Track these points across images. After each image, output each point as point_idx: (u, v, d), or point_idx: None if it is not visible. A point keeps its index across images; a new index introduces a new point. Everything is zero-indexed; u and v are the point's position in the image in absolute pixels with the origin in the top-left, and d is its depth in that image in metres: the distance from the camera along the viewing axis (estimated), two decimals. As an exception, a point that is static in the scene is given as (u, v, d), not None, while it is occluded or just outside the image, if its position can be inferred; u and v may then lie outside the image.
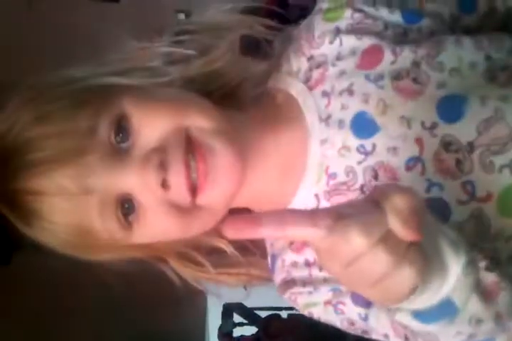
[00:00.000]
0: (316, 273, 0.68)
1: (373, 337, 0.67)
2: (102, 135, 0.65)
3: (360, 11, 0.70)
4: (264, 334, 1.77)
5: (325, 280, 0.67)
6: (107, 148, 0.64)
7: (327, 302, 0.67)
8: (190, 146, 0.64)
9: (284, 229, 0.44)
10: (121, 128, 0.65)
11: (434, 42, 0.65)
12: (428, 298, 0.47)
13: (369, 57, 0.68)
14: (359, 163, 0.66)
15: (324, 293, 0.67)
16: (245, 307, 1.86)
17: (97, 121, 0.65)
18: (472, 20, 0.71)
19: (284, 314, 1.78)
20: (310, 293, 0.69)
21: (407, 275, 0.44)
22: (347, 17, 0.71)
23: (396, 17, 0.69)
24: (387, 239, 0.44)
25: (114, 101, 0.66)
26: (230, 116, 0.70)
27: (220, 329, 1.88)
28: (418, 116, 0.63)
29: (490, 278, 0.50)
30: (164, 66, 0.73)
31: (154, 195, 0.64)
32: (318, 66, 0.72)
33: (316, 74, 0.72)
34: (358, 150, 0.66)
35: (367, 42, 0.68)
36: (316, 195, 0.69)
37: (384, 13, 0.69)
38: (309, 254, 0.69)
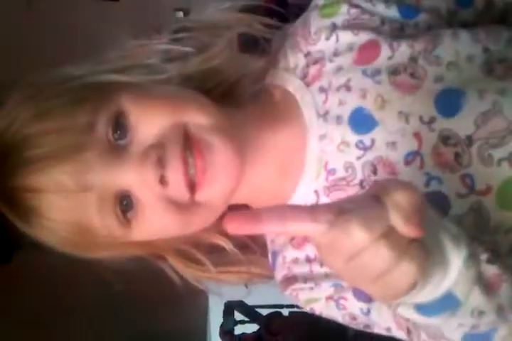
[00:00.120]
0: (317, 268, 0.68)
1: (375, 331, 0.67)
2: (100, 132, 0.65)
3: (356, 6, 0.70)
4: (266, 331, 1.77)
5: (326, 276, 0.67)
6: (105, 145, 0.65)
7: (329, 298, 0.67)
8: (188, 143, 0.64)
9: (284, 224, 0.44)
10: (119, 125, 0.65)
11: (430, 36, 0.65)
12: (430, 292, 0.47)
13: (366, 53, 0.68)
14: (358, 158, 0.66)
15: (326, 289, 0.67)
16: (246, 305, 1.86)
17: (95, 118, 0.65)
18: (469, 15, 0.71)
19: (285, 312, 1.79)
20: (311, 288, 0.69)
21: (407, 270, 0.44)
22: (343, 13, 0.70)
23: (393, 12, 0.69)
24: (389, 234, 0.44)
25: (112, 98, 0.66)
26: (228, 113, 0.70)
27: (221, 327, 1.88)
28: (416, 110, 0.63)
29: (491, 270, 0.50)
30: (162, 63, 0.73)
31: (152, 191, 0.64)
32: (315, 62, 0.72)
33: (313, 70, 0.72)
34: (357, 145, 0.66)
35: (364, 37, 0.68)
36: (316, 191, 0.69)
37: (381, 8, 0.69)
38: (310, 250, 0.69)
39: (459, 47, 0.64)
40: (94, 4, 2.54)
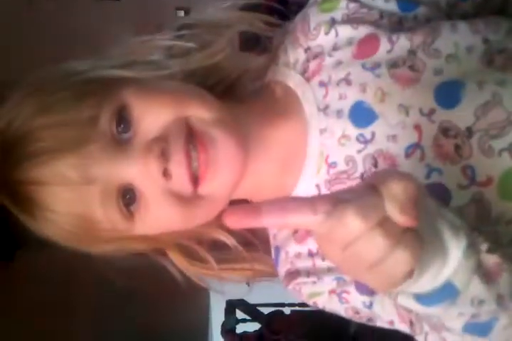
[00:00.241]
0: (319, 263, 0.68)
1: (378, 324, 0.67)
2: (103, 125, 0.65)
3: (355, 0, 0.70)
4: (267, 330, 1.77)
5: (329, 270, 0.67)
6: (108, 139, 0.65)
7: (331, 292, 0.68)
8: (192, 136, 0.64)
9: (284, 216, 0.44)
10: (123, 118, 0.65)
11: (429, 28, 0.65)
12: (428, 281, 0.48)
13: (365, 46, 0.68)
14: (359, 151, 0.66)
15: (328, 283, 0.68)
16: (248, 303, 1.86)
17: (99, 111, 0.65)
18: (469, 7, 0.71)
19: (286, 310, 1.79)
20: (314, 282, 0.69)
21: (401, 258, 0.45)
22: (342, 7, 0.71)
23: (391, 5, 0.69)
24: (384, 223, 0.44)
25: (115, 92, 0.66)
26: (230, 108, 0.70)
27: (223, 325, 1.89)
28: (416, 103, 0.63)
29: (491, 259, 0.50)
30: (165, 59, 0.74)
31: (156, 184, 0.64)
32: (315, 57, 0.72)
33: (313, 65, 0.72)
34: (357, 139, 0.66)
35: (363, 31, 0.69)
36: (317, 185, 0.70)
37: (379, 2, 0.69)
38: (312, 245, 0.69)
39: (458, 38, 0.64)
40: (94, 4, 2.54)
